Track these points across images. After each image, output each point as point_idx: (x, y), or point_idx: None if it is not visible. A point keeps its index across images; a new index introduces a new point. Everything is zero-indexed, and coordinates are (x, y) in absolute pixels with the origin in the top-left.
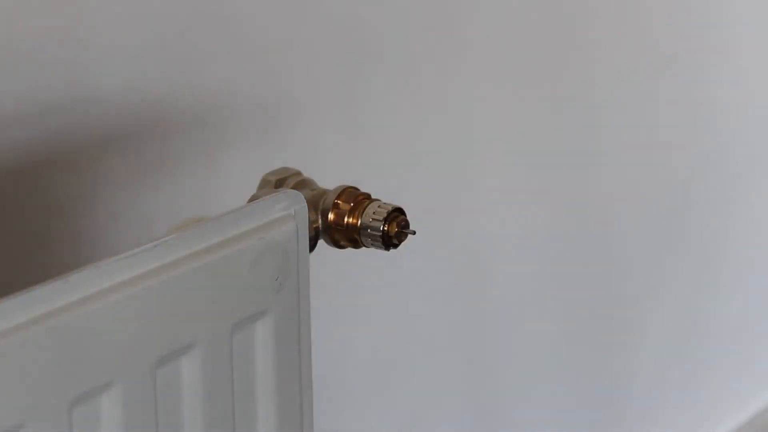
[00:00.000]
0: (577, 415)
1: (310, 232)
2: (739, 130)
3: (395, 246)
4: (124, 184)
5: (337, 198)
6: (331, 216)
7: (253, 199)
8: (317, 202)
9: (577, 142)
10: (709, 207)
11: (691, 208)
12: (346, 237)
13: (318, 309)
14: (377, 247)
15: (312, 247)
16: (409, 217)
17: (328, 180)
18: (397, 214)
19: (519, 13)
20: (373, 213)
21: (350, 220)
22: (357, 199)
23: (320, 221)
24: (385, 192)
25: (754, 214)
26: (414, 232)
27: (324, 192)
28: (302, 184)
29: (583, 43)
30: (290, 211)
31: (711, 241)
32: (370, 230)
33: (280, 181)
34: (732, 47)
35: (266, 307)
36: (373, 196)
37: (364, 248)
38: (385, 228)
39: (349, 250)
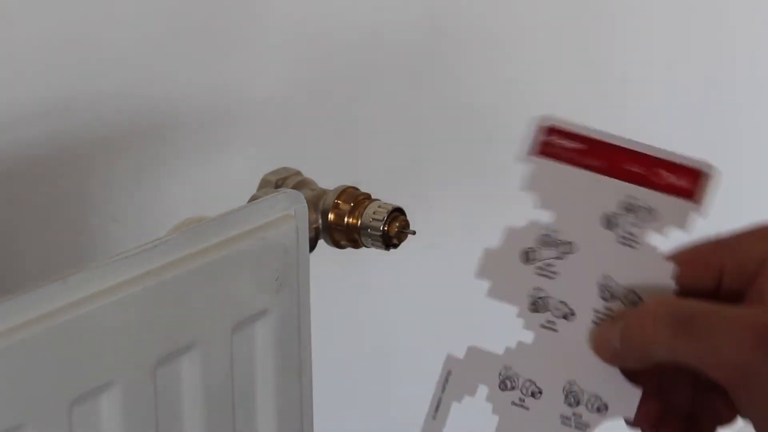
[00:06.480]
0: None
1: (310, 232)
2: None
3: (395, 246)
4: (124, 184)
5: (337, 198)
6: (331, 216)
7: (253, 199)
8: (317, 202)
9: None
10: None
11: None
12: (346, 237)
13: (318, 309)
14: (377, 247)
15: (312, 247)
16: (409, 217)
17: (328, 180)
18: (397, 214)
19: (522, 14)
20: (373, 213)
21: (350, 220)
22: (357, 199)
23: (320, 221)
24: (385, 192)
25: (749, 213)
26: (414, 232)
27: (324, 192)
28: (302, 184)
29: (597, 43)
30: (290, 211)
31: None
32: (370, 230)
33: (280, 181)
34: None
35: (266, 307)
36: (373, 196)
37: (364, 248)
38: (385, 228)
39: (349, 250)
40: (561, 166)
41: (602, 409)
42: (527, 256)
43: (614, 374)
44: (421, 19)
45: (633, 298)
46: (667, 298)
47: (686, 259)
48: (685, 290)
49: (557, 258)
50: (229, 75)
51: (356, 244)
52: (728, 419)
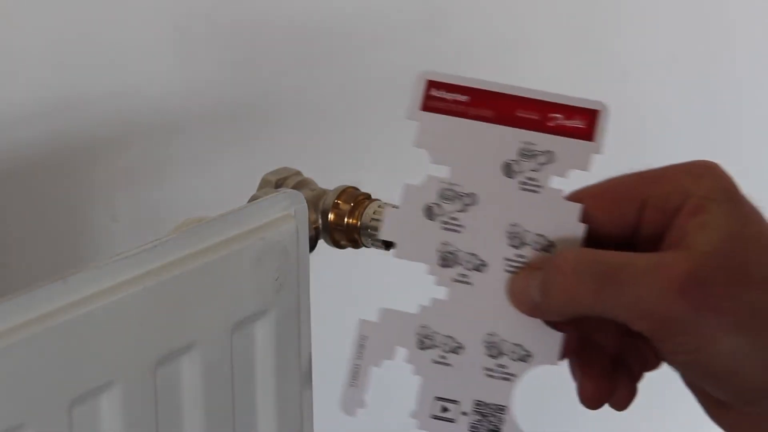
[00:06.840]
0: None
1: (310, 232)
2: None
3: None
4: (123, 184)
5: (337, 198)
6: (331, 216)
7: (253, 199)
8: (317, 202)
9: None
10: None
11: None
12: (346, 237)
13: (318, 309)
14: (377, 247)
15: (312, 247)
16: None
17: (328, 180)
18: None
19: (523, 11)
20: (373, 213)
21: (350, 220)
22: (357, 199)
23: (320, 221)
24: (385, 192)
25: None
26: None
27: (324, 192)
28: (302, 184)
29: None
30: (290, 211)
31: None
32: (370, 230)
33: (280, 181)
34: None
35: (266, 307)
36: (373, 196)
37: (364, 248)
38: None
39: (349, 250)
40: (450, 119)
41: (526, 357)
42: (431, 212)
43: (534, 321)
44: (424, 17)
45: (543, 243)
46: (585, 250)
47: (608, 190)
48: (604, 226)
49: (461, 211)
50: (228, 75)
51: (356, 244)
52: (654, 365)
